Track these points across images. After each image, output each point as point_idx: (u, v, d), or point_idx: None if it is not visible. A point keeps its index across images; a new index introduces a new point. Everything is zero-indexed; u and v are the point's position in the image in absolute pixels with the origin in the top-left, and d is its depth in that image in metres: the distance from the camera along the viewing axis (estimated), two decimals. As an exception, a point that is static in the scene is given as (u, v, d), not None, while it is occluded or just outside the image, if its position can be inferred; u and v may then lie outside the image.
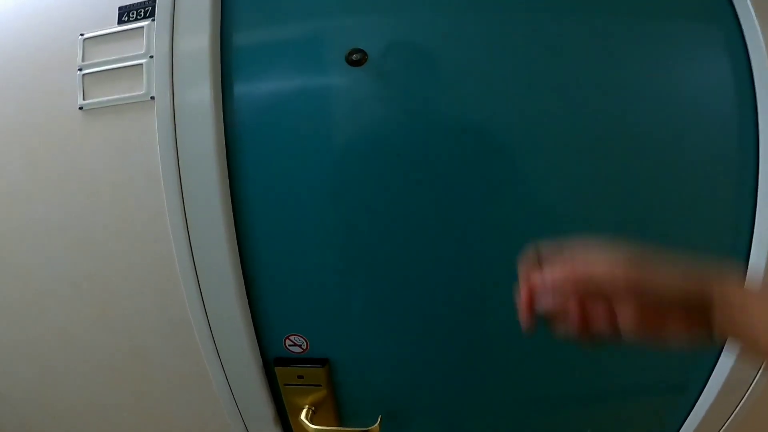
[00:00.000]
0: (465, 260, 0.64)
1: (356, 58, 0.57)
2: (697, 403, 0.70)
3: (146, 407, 0.73)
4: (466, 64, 0.60)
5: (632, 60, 0.61)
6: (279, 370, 0.68)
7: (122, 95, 0.58)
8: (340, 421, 0.74)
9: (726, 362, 0.66)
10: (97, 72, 0.58)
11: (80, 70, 0.58)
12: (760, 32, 0.58)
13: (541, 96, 0.60)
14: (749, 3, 0.57)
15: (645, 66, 0.60)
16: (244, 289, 0.64)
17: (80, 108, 0.59)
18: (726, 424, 0.69)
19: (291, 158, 0.62)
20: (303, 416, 0.69)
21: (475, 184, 0.62)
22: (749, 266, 0.63)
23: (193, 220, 0.58)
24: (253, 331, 0.67)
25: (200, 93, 0.57)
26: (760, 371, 0.65)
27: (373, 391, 0.73)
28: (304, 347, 0.68)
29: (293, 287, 0.66)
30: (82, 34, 0.59)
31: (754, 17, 0.58)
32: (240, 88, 0.61)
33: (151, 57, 0.56)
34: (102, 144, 0.59)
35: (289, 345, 0.68)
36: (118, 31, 0.58)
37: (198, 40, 0.57)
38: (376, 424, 0.68)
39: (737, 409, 0.68)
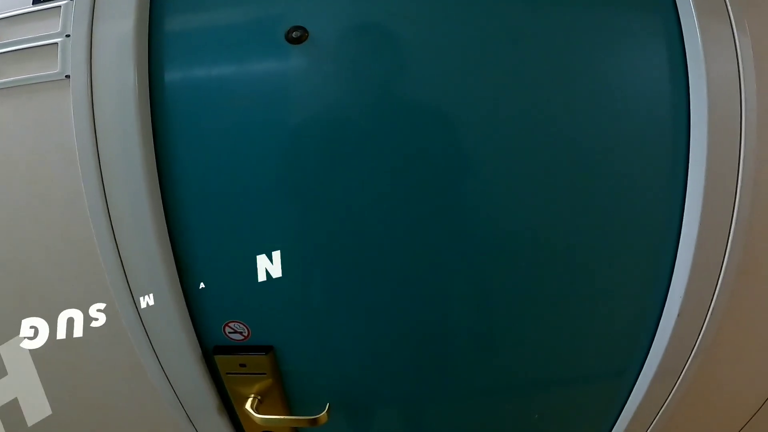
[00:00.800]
0: (416, 245, 0.64)
1: (296, 36, 0.55)
2: (633, 389, 0.72)
3: (82, 399, 0.71)
4: (421, 45, 0.59)
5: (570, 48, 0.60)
6: (219, 359, 0.66)
7: (35, 74, 0.56)
8: (289, 410, 0.73)
9: (658, 349, 0.67)
10: (9, 52, 0.56)
11: (-7, 50, 0.56)
12: (696, 25, 0.57)
13: (493, 80, 0.59)
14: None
15: (580, 56, 0.60)
16: (177, 274, 0.63)
17: (-9, 88, 0.57)
18: (663, 407, 0.71)
19: (228, 140, 0.61)
20: (248, 405, 0.68)
21: (426, 171, 0.61)
22: (675, 266, 0.64)
23: (114, 204, 0.56)
24: (189, 318, 0.66)
25: (123, 74, 0.55)
26: (691, 357, 0.67)
27: (322, 379, 0.72)
28: (246, 334, 0.67)
29: (231, 272, 0.64)
30: (-5, 15, 0.57)
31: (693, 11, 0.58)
32: (171, 71, 0.60)
33: (68, 36, 0.54)
34: (15, 124, 0.57)
35: (229, 332, 0.66)
36: (32, 11, 0.56)
37: (122, 21, 0.55)
38: (324, 413, 0.68)
39: (672, 392, 0.70)
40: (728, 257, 0.61)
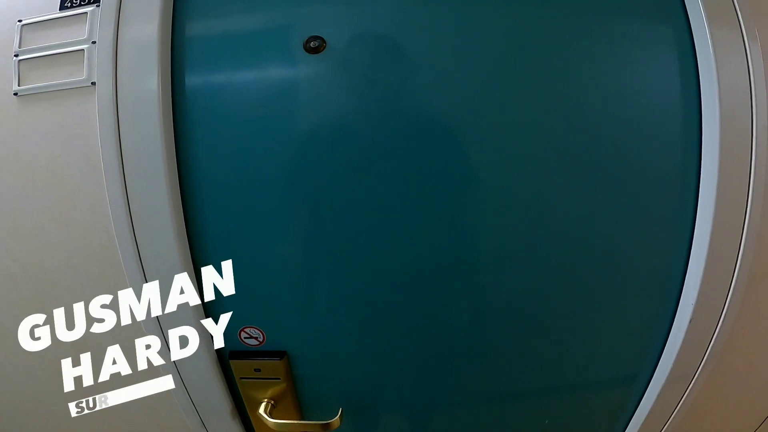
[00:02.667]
0: (429, 252, 0.64)
1: (314, 45, 0.57)
2: (645, 394, 0.72)
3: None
4: (431, 53, 0.60)
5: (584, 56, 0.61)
6: (234, 364, 0.67)
7: (61, 80, 0.56)
8: (301, 414, 0.73)
9: (670, 354, 0.68)
10: (34, 58, 0.56)
11: (16, 56, 0.57)
12: (708, 33, 0.59)
13: (505, 88, 0.61)
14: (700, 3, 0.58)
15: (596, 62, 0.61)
16: (195, 281, 0.64)
17: (15, 94, 0.57)
18: (674, 412, 0.71)
19: (247, 149, 0.61)
20: (262, 410, 0.68)
21: (435, 176, 0.61)
22: (687, 272, 0.65)
23: (137, 210, 0.57)
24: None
25: (146, 80, 0.56)
26: (702, 362, 0.67)
27: (335, 385, 0.73)
28: (261, 340, 0.67)
29: (248, 278, 0.64)
30: (20, 21, 0.57)
31: (704, 19, 0.59)
32: (193, 78, 0.60)
33: (94, 43, 0.55)
34: (39, 129, 0.57)
35: (245, 337, 0.67)
36: (59, 17, 0.57)
37: (146, 27, 0.56)
38: (336, 418, 0.68)
39: (683, 397, 0.70)
40: (740, 263, 0.62)
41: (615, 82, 0.62)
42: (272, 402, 0.70)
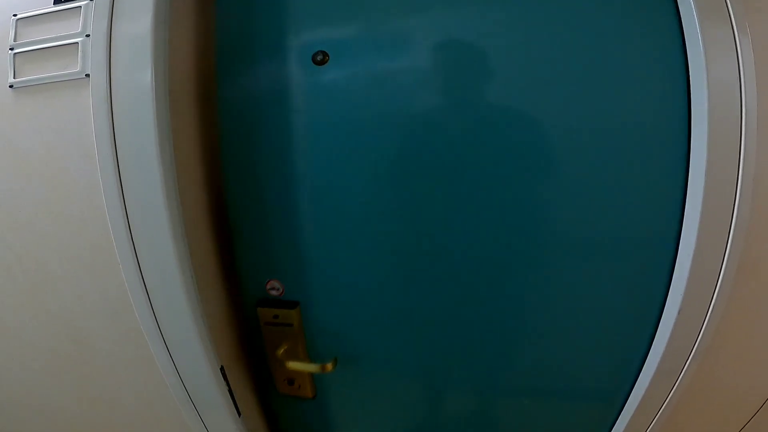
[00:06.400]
0: (443, 215, 0.69)
1: (320, 59, 0.67)
2: (633, 389, 0.73)
3: (90, 394, 0.72)
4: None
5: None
6: (260, 311, 0.78)
7: (56, 73, 0.57)
8: (309, 360, 0.82)
9: (658, 349, 0.68)
10: (29, 51, 0.57)
11: (11, 49, 0.58)
12: (698, 27, 0.59)
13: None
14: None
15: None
16: (190, 273, 0.64)
17: (10, 86, 0.58)
18: (662, 407, 0.72)
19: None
20: (279, 353, 0.79)
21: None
22: (675, 266, 0.65)
23: (131, 199, 0.57)
24: (202, 323, 0.66)
25: (140, 72, 0.56)
26: (690, 357, 0.68)
27: (337, 334, 0.80)
28: (281, 291, 0.78)
29: (274, 239, 0.75)
30: (15, 15, 0.58)
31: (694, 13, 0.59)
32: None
33: (88, 36, 0.56)
34: (34, 122, 0.58)
35: (270, 288, 0.79)
36: (53, 11, 0.57)
37: (140, 20, 0.56)
38: (330, 362, 0.77)
39: (671, 392, 0.70)
40: (728, 258, 0.62)
41: (604, 76, 0.62)
42: (286, 347, 0.80)
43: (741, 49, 0.59)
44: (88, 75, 0.56)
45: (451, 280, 0.72)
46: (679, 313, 0.65)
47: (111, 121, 0.56)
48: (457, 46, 0.64)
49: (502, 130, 0.64)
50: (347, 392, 0.85)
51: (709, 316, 0.65)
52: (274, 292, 0.78)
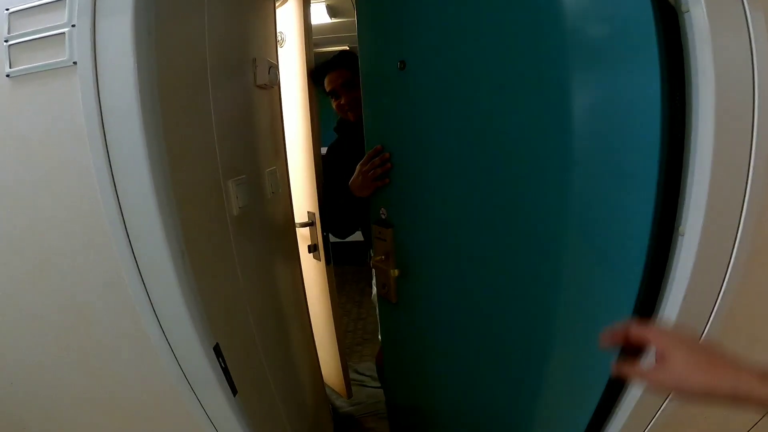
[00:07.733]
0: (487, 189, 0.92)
1: (401, 67, 1.00)
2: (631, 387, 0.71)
3: (93, 367, 0.76)
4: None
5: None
6: (374, 227, 1.19)
7: (47, 62, 0.60)
8: (395, 267, 1.16)
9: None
10: (23, 42, 0.61)
11: (6, 41, 0.62)
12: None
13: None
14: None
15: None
16: (179, 246, 0.65)
17: (8, 76, 0.62)
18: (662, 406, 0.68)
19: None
20: (378, 260, 1.20)
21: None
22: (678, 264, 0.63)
23: (120, 176, 0.60)
24: (195, 309, 0.68)
25: (124, 59, 0.58)
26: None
27: (415, 254, 1.12)
28: (386, 216, 1.16)
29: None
30: (7, 9, 0.62)
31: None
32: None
33: (73, 26, 0.58)
34: (31, 107, 0.62)
35: (381, 213, 1.17)
36: (41, 4, 0.61)
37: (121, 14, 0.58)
38: (395, 269, 1.14)
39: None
40: (734, 257, 0.60)
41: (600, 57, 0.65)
42: (383, 257, 1.19)
43: (752, 23, 0.54)
44: (75, 62, 0.59)
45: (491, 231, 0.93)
46: (679, 313, 0.63)
47: (99, 104, 0.59)
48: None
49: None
50: (414, 301, 1.17)
51: (713, 316, 0.63)
52: (382, 216, 1.16)
